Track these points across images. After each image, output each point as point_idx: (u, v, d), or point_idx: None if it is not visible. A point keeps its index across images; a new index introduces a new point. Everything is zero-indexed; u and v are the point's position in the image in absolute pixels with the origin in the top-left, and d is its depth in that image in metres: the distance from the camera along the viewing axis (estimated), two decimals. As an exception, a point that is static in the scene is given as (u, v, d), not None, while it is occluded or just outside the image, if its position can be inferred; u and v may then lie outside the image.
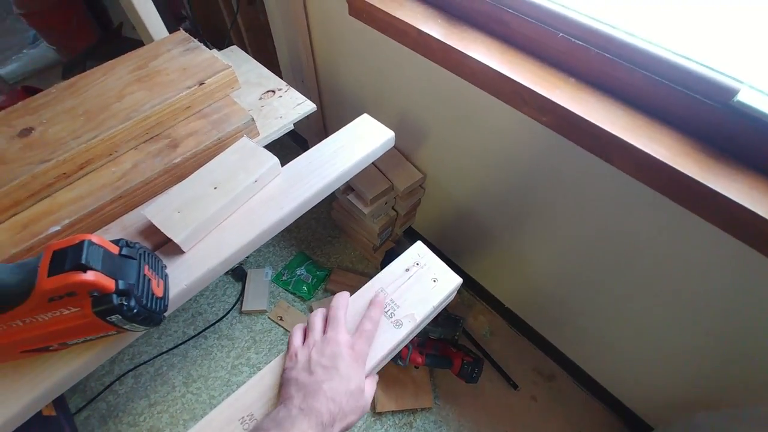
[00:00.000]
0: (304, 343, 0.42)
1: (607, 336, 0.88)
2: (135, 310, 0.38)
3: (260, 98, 0.72)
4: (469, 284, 1.22)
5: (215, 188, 0.53)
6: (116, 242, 0.39)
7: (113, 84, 0.61)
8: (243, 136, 0.61)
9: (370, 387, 0.41)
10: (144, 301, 0.39)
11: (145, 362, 1.13)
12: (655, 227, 0.61)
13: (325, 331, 0.42)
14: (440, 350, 1.00)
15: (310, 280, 1.23)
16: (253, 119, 0.62)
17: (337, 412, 0.36)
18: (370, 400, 0.41)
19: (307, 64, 1.08)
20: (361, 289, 0.47)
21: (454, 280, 0.46)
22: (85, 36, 1.74)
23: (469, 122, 0.79)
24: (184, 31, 0.71)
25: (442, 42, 0.64)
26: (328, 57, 1.04)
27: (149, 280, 0.41)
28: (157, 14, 0.73)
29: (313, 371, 0.38)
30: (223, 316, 1.19)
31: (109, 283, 0.35)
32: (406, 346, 0.98)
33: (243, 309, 1.19)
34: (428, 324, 1.02)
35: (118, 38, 1.77)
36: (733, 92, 0.46)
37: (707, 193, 0.46)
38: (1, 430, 0.40)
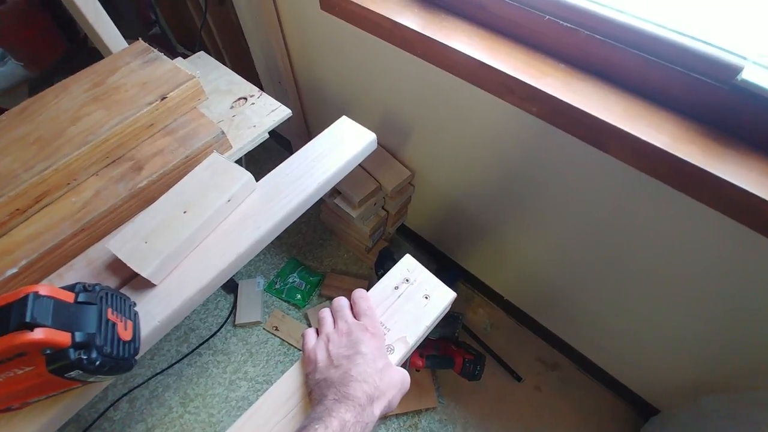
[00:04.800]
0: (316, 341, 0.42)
1: (609, 322, 0.86)
2: (98, 362, 0.34)
3: (231, 107, 0.68)
4: (466, 278, 1.19)
5: (185, 212, 0.49)
6: (71, 288, 0.36)
7: (68, 105, 0.56)
8: (213, 151, 0.56)
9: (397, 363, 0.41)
10: (108, 350, 0.35)
11: (139, 385, 1.09)
12: (656, 215, 0.58)
13: (335, 325, 0.42)
14: (441, 350, 0.98)
15: (303, 287, 1.20)
16: (223, 132, 0.58)
17: (373, 391, 0.36)
18: (407, 374, 0.40)
19: (283, 64, 1.02)
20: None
21: (447, 295, 0.43)
22: (53, 49, 1.66)
23: (454, 115, 0.75)
24: (143, 41, 0.66)
25: (419, 33, 0.59)
26: (305, 55, 0.99)
27: (113, 324, 0.37)
28: (112, 24, 0.68)
29: (338, 365, 0.38)
30: (217, 331, 1.16)
31: (63, 338, 0.32)
32: (406, 350, 0.96)
33: (237, 322, 1.15)
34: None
35: (85, 50, 1.69)
36: (737, 70, 0.42)
37: (713, 181, 0.43)
38: None
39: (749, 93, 0.42)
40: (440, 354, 0.97)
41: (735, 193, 0.42)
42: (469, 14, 0.60)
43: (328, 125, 0.63)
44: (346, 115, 0.66)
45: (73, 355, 0.32)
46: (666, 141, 0.45)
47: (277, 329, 1.15)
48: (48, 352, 0.31)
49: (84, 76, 0.61)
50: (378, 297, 0.43)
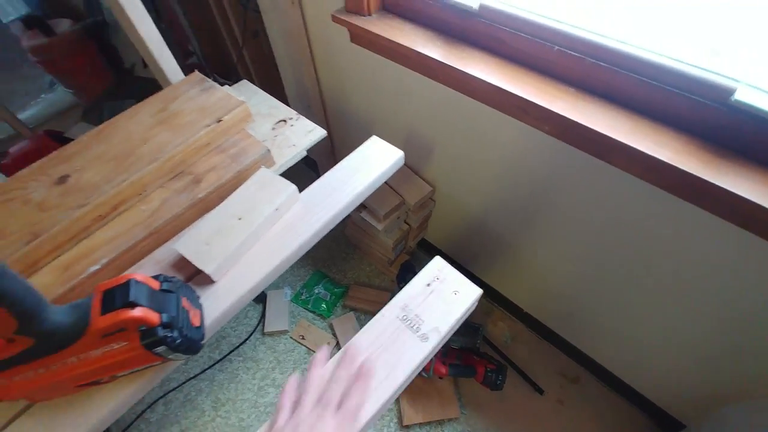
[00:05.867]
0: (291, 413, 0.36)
1: (629, 334, 0.88)
2: (178, 341, 0.40)
3: (273, 128, 0.76)
4: (486, 291, 1.23)
5: (240, 219, 0.56)
6: (156, 278, 0.42)
7: (137, 128, 0.66)
8: (260, 167, 0.64)
9: None
10: (185, 332, 0.42)
11: (173, 389, 1.15)
12: (667, 224, 0.62)
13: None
14: (463, 359, 1.01)
15: (328, 298, 1.26)
16: (268, 150, 0.66)
17: None
18: None
19: (313, 90, 1.12)
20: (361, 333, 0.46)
21: (475, 292, 0.48)
22: (100, 78, 1.83)
23: (473, 135, 0.81)
24: (199, 73, 0.75)
25: (442, 62, 0.67)
26: (333, 82, 1.08)
27: (187, 311, 0.44)
28: (173, 58, 0.78)
29: None
30: (246, 339, 1.22)
31: (154, 318, 0.38)
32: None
33: (265, 330, 1.21)
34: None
35: (131, 78, 1.86)
36: (731, 91, 0.47)
37: (713, 190, 0.47)
38: None
39: (743, 112, 0.47)
40: (463, 363, 1.00)
41: (734, 201, 0.46)
42: (486, 46, 0.67)
43: (353, 145, 0.70)
44: (371, 135, 0.73)
45: (161, 332, 0.38)
46: (669, 155, 0.50)
47: (303, 338, 1.20)
48: (142, 328, 0.38)
49: (149, 103, 0.71)
50: (412, 292, 0.48)
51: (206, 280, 0.53)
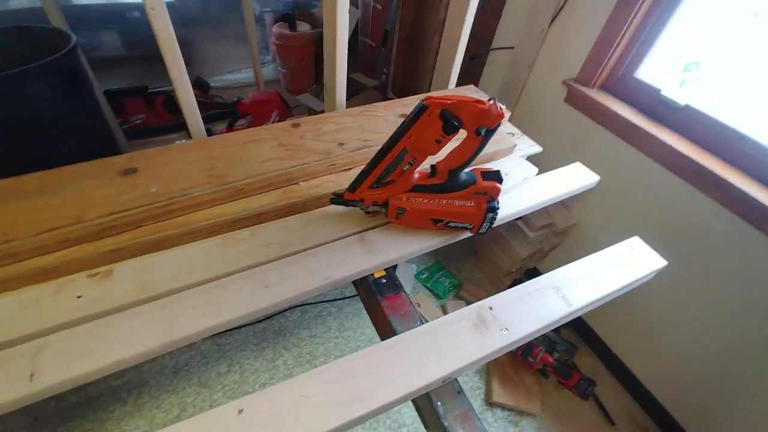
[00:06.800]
0: None
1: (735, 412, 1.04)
2: (495, 217, 0.70)
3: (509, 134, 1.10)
4: (577, 326, 1.42)
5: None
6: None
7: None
8: (511, 153, 0.96)
9: None
10: (497, 212, 0.71)
11: (310, 304, 1.43)
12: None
13: None
14: (562, 363, 1.20)
15: (446, 283, 1.51)
16: (515, 144, 0.98)
17: None
18: None
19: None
20: None
21: (659, 263, 0.74)
22: (308, 73, 2.35)
23: (638, 189, 1.10)
24: (472, 86, 1.12)
25: (638, 127, 0.98)
26: (524, 124, 1.43)
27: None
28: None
29: None
30: (374, 290, 1.49)
31: (498, 192, 0.68)
32: (537, 346, 1.21)
33: (391, 288, 1.48)
34: (555, 335, 1.25)
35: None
36: None
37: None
38: (393, 261, 0.71)
39: None
40: (563, 366, 1.20)
41: None
42: (677, 129, 0.98)
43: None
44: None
45: (497, 204, 0.68)
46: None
47: (419, 305, 1.45)
48: (492, 197, 0.68)
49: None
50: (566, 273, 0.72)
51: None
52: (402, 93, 2.16)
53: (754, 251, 0.89)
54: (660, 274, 0.75)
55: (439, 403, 0.55)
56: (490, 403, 1.24)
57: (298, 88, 2.31)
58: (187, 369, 1.20)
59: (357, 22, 2.23)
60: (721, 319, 1.00)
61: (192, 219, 0.65)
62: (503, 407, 1.24)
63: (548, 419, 1.23)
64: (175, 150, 0.75)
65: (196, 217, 0.66)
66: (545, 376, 1.26)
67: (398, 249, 0.70)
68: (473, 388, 1.28)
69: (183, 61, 0.73)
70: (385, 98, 2.08)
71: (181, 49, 0.72)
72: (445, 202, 0.70)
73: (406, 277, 1.52)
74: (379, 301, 0.69)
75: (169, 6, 0.66)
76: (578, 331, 1.43)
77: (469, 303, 1.48)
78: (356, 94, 2.22)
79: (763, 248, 0.86)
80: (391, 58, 2.19)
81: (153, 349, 0.51)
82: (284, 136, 0.83)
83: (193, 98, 0.81)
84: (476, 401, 1.25)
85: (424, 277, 1.54)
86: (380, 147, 0.64)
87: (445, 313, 1.45)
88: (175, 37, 0.70)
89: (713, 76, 0.99)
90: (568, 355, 1.26)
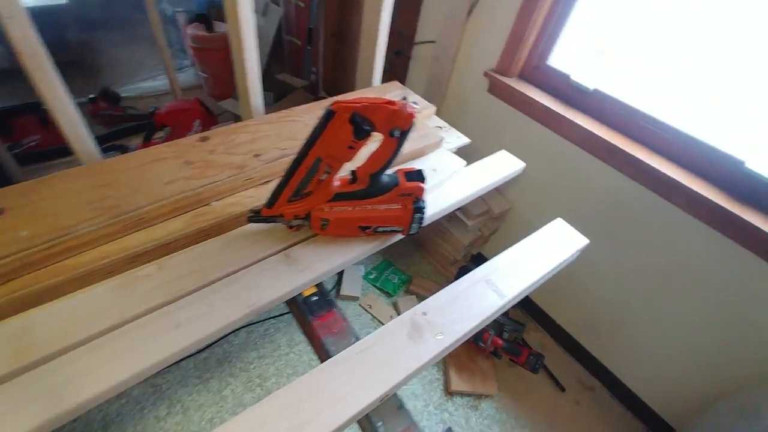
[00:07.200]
0: None
1: (644, 346, 1.14)
2: (423, 217, 0.68)
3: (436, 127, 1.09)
4: (526, 306, 1.49)
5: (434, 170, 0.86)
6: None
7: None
8: (438, 147, 0.96)
9: None
10: (424, 212, 0.70)
11: (255, 322, 1.35)
12: (700, 252, 0.94)
13: None
14: (512, 343, 1.25)
15: (395, 280, 1.50)
16: (442, 138, 0.98)
17: None
18: None
19: (429, 117, 1.48)
20: None
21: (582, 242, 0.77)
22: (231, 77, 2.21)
23: (561, 169, 1.15)
24: (397, 82, 1.10)
25: (556, 112, 1.02)
26: (453, 115, 1.44)
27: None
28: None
29: None
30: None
31: (422, 193, 0.67)
32: (487, 331, 1.23)
33: (341, 293, 1.44)
34: (503, 317, 1.29)
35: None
36: (741, 163, 0.81)
37: (734, 220, 0.79)
38: (322, 277, 0.68)
39: (754, 177, 0.81)
40: (512, 345, 1.24)
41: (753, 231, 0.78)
42: (591, 113, 1.03)
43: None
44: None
45: (423, 204, 0.67)
46: (704, 194, 0.83)
47: (370, 307, 1.43)
48: (417, 197, 0.66)
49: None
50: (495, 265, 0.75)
51: (412, 199, 0.81)
52: (333, 92, 2.10)
53: (661, 219, 0.97)
54: (587, 247, 0.78)
55: (380, 423, 0.53)
56: (449, 392, 1.26)
57: (222, 93, 2.16)
58: (120, 420, 1.08)
59: (280, 20, 2.12)
60: (628, 275, 1.11)
61: (81, 261, 0.57)
62: (462, 394, 1.26)
63: (505, 397, 1.27)
64: (55, 180, 0.65)
65: (86, 258, 0.57)
66: (498, 357, 1.30)
67: (327, 262, 0.66)
68: (432, 381, 1.29)
69: (57, 75, 0.64)
70: (317, 98, 2.02)
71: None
72: (370, 207, 0.67)
73: (354, 279, 1.49)
74: (310, 321, 0.65)
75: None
76: (525, 307, 1.49)
77: (420, 297, 1.49)
78: (284, 96, 2.12)
79: (671, 215, 0.94)
80: (319, 56, 2.11)
81: (35, 428, 0.43)
82: (191, 152, 0.75)
83: (75, 115, 0.70)
84: (436, 393, 1.26)
85: (372, 277, 1.52)
86: (293, 158, 0.59)
87: (397, 310, 1.44)
88: (42, 50, 0.61)
89: (618, 59, 1.05)
90: (517, 334, 1.31)
